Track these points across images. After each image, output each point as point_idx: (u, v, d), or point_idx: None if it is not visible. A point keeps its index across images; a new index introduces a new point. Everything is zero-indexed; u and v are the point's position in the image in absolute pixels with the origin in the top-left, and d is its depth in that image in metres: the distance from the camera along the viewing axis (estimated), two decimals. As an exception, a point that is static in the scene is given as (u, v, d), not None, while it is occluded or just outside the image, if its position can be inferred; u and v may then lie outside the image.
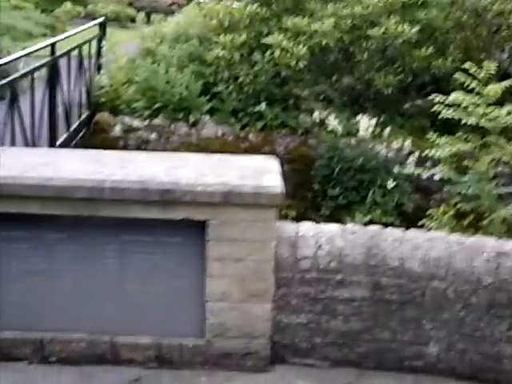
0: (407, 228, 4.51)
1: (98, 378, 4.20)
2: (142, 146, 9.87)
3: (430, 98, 6.85)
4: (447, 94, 6.63)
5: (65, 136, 8.49)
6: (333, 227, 4.40)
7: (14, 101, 6.66)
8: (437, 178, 6.92)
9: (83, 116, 9.71)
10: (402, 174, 8.96)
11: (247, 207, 4.09)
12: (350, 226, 4.45)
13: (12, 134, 6.58)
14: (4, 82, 6.53)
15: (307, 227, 4.42)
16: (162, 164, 4.38)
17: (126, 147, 9.86)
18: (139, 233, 4.22)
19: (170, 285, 4.27)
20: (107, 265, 4.25)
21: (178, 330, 4.31)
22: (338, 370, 4.36)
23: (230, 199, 4.06)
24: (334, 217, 8.81)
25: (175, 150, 9.71)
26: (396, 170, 9.25)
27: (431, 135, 6.82)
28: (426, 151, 6.80)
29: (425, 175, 7.03)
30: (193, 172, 4.24)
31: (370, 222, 8.06)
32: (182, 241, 4.23)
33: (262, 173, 4.31)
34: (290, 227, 4.40)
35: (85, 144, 9.43)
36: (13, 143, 6.55)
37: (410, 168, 8.02)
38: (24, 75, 7.13)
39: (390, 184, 9.18)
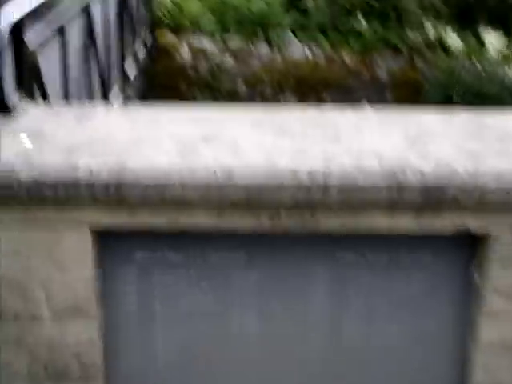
0: None
1: None
2: (217, 72, 8.15)
3: None
4: None
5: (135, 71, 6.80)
6: None
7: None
8: None
9: (146, 38, 7.97)
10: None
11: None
12: None
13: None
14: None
15: None
16: (389, 132, 2.75)
17: (197, 74, 8.16)
18: (367, 250, 2.62)
19: (414, 328, 2.70)
20: (313, 303, 2.67)
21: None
22: None
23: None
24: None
25: (256, 76, 8.04)
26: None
27: None
28: None
29: None
30: (451, 150, 2.60)
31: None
32: (436, 261, 2.63)
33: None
34: None
35: (149, 73, 7.74)
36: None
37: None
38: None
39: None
